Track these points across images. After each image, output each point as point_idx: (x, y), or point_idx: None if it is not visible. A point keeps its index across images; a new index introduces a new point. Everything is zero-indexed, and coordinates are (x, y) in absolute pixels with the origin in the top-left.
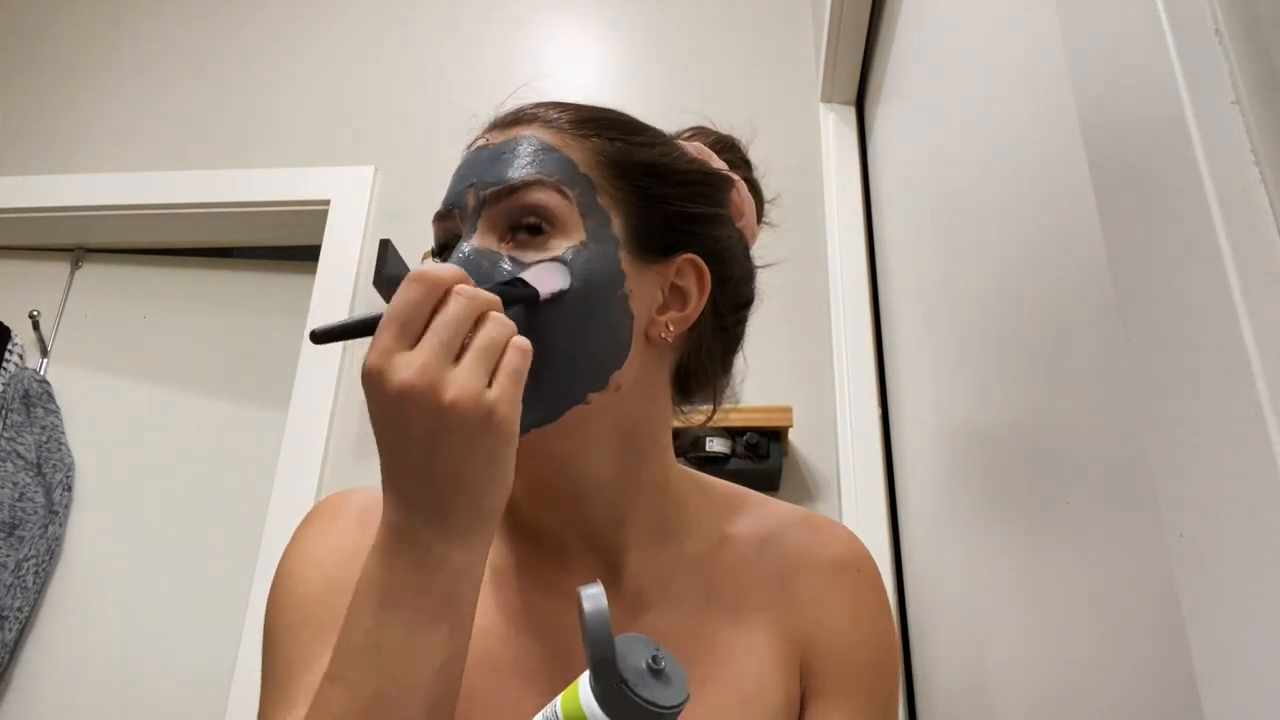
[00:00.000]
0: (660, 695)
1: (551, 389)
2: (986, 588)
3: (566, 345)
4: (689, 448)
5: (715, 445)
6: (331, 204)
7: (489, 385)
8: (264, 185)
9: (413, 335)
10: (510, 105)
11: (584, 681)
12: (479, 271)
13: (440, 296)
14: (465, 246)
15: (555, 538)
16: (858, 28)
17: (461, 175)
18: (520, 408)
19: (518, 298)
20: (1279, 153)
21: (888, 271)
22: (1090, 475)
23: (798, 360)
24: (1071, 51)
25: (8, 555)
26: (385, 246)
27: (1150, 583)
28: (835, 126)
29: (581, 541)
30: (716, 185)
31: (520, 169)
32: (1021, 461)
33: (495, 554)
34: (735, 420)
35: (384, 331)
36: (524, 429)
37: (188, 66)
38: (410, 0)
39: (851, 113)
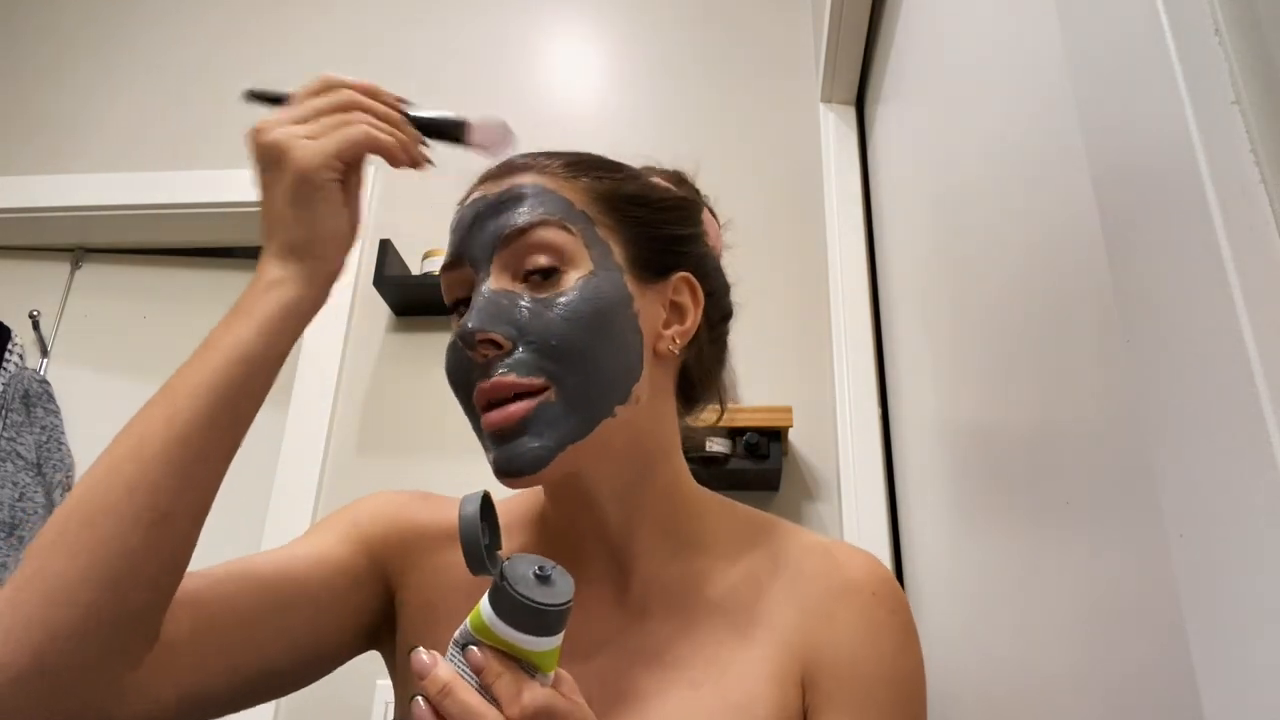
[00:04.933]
0: (540, 595)
1: (584, 407)
2: (987, 587)
3: (591, 366)
4: (690, 449)
5: (715, 445)
6: None
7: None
8: None
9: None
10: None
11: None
12: (498, 309)
13: (326, 89)
14: (484, 288)
15: (575, 539)
16: (858, 28)
17: (465, 225)
18: (329, 157)
19: (442, 129)
20: (1279, 153)
21: (888, 271)
22: (1090, 475)
23: (798, 360)
24: (1072, 51)
25: (8, 555)
26: (385, 246)
27: (1150, 583)
28: (835, 126)
29: (598, 545)
30: (692, 208)
31: (526, 212)
32: (1022, 461)
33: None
34: (735, 420)
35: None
36: (560, 446)
37: (188, 66)
38: (409, 0)
39: (851, 113)
